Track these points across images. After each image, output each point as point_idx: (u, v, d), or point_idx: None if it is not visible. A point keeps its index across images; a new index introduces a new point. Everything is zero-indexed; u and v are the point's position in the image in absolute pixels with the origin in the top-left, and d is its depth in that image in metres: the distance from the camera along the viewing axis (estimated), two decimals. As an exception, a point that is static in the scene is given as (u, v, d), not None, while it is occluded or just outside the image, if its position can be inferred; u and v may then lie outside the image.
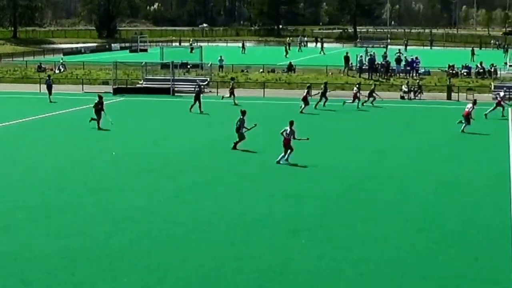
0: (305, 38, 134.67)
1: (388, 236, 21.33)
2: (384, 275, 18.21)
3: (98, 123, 40.10)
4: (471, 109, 40.32)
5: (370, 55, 72.43)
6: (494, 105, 46.70)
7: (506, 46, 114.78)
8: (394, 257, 19.51)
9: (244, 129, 34.16)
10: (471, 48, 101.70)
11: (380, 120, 45.92)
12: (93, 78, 68.07)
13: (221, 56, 76.13)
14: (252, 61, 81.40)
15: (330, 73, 71.33)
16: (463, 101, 54.73)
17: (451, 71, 69.56)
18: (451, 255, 19.79)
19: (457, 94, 56.45)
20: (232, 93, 51.90)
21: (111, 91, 57.15)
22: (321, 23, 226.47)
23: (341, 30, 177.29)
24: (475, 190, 27.32)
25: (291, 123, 31.17)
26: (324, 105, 49.48)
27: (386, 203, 25.08)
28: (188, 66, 69.70)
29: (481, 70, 69.57)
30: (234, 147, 34.12)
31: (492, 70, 68.37)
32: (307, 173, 29.75)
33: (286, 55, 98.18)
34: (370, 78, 67.44)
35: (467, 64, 73.27)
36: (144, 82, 62.07)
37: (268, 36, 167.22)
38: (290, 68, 74.06)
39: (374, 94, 50.94)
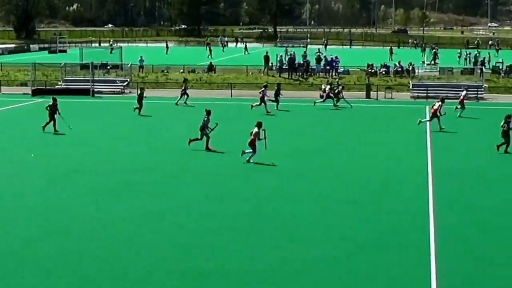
0: (226, 38, 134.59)
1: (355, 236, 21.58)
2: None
3: (54, 125, 39.05)
4: (439, 107, 40.84)
5: (290, 54, 72.93)
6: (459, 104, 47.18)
7: (424, 45, 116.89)
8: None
9: (208, 129, 34.00)
10: (389, 47, 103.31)
11: (313, 120, 46.14)
12: (11, 80, 66.85)
13: (141, 57, 75.51)
14: (174, 62, 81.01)
15: (250, 73, 71.56)
16: (382, 99, 55.60)
17: (370, 70, 70.52)
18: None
19: (376, 93, 57.20)
20: (184, 94, 51.58)
21: (30, 93, 56.25)
22: (241, 23, 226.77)
23: (261, 30, 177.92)
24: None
25: (259, 125, 31.39)
26: (277, 107, 49.30)
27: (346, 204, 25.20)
28: (108, 67, 69.08)
29: (399, 69, 70.82)
30: (207, 148, 33.97)
31: (410, 68, 69.56)
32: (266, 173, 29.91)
33: (209, 55, 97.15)
34: (290, 77, 67.92)
35: (385, 63, 74.46)
36: (64, 83, 61.18)
37: (189, 37, 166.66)
38: (211, 68, 74.02)
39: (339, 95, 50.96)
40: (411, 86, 59.64)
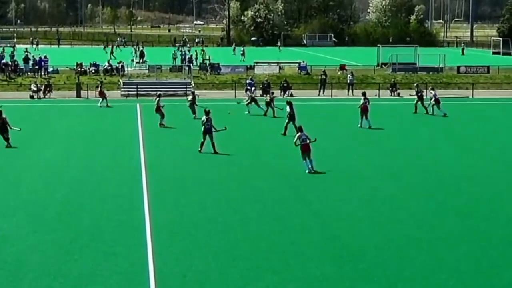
0: None
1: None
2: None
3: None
4: (367, 103, 41.71)
5: (-4, 54, 70.46)
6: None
7: (133, 43, 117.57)
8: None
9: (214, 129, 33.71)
10: (103, 46, 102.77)
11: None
12: None
13: None
14: None
15: (-47, 75, 68.23)
16: (93, 98, 55.18)
17: (79, 69, 69.84)
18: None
19: (86, 92, 56.69)
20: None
21: None
22: None
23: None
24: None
25: (300, 129, 30.50)
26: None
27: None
28: None
29: (109, 67, 70.74)
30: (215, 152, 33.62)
31: (120, 67, 69.74)
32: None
33: None
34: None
35: (95, 62, 73.94)
36: None
37: None
38: None
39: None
40: (121, 84, 59.87)
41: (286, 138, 36.30)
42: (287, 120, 38.81)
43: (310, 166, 29.92)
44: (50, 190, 27.06)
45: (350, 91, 58.74)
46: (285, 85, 58.65)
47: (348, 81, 59.93)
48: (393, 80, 61.55)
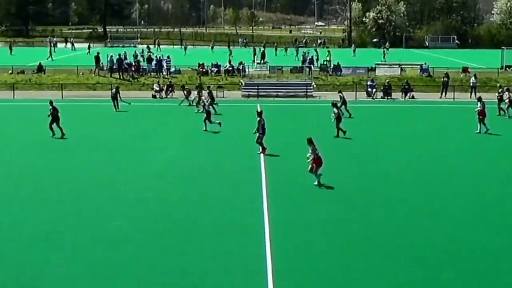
0: (55, 39, 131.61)
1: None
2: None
3: None
4: (484, 108, 40.89)
5: (119, 54, 71.70)
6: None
7: (247, 44, 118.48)
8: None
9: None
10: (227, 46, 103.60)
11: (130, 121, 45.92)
12: None
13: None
14: (4, 63, 77.85)
15: (81, 74, 70.19)
16: (216, 98, 55.74)
17: (201, 70, 70.72)
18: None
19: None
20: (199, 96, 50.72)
21: None
22: (70, 23, 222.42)
23: (91, 30, 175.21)
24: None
25: (310, 141, 27.93)
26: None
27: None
28: None
29: (230, 68, 71.39)
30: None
31: (241, 67, 70.25)
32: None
33: (49, 57, 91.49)
34: (121, 78, 67.10)
35: (216, 62, 74.73)
36: None
37: (17, 37, 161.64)
38: (40, 69, 71.95)
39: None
40: (243, 85, 60.26)
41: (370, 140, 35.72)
42: (336, 122, 38.82)
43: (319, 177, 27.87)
44: (168, 188, 27.51)
45: (473, 94, 57.50)
46: (406, 87, 57.88)
47: (471, 84, 58.73)
48: (517, 83, 59.95)
